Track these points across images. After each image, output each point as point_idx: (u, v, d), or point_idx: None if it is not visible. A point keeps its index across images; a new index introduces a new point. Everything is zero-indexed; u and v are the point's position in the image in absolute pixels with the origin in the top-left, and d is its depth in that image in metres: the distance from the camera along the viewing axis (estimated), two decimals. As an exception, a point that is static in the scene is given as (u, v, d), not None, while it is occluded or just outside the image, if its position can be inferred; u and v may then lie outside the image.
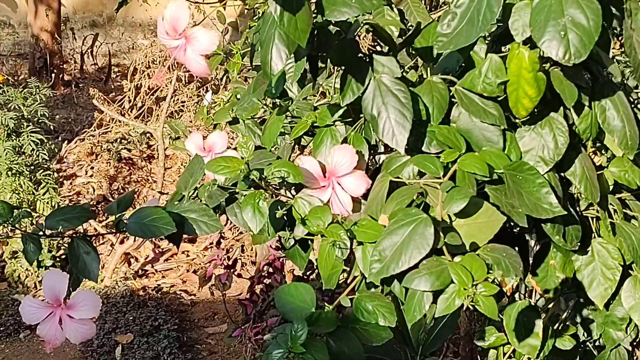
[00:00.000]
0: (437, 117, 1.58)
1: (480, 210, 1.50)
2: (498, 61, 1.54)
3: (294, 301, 1.55)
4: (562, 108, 1.60)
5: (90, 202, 5.19)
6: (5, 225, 1.43)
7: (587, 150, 1.69)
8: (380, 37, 1.60)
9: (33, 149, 4.37)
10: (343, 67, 1.54)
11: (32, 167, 4.44)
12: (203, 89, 6.02)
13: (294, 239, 1.62)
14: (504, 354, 1.79)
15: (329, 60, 1.58)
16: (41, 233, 1.47)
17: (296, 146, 1.87)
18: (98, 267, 1.48)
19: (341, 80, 1.54)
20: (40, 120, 4.48)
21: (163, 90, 5.89)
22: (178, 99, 5.95)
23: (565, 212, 1.56)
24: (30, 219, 1.48)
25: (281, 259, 3.93)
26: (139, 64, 5.94)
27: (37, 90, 4.43)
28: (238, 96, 2.47)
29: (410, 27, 1.89)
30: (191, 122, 5.70)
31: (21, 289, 4.61)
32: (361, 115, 1.64)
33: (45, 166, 4.51)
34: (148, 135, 5.65)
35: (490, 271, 1.37)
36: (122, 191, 5.36)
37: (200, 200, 1.63)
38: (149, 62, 5.93)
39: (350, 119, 1.66)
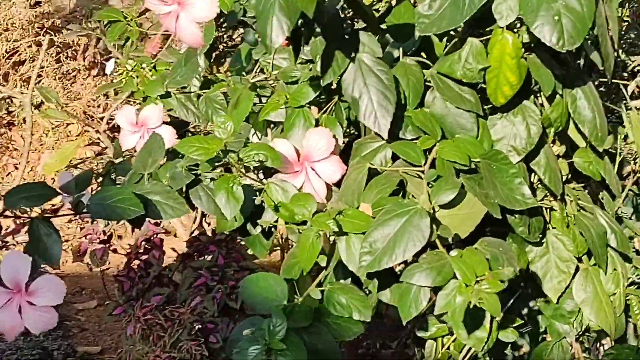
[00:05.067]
0: (413, 101, 1.52)
1: (463, 201, 1.44)
2: (479, 46, 1.48)
3: (262, 292, 1.46)
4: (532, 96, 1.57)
5: (-55, 170, 4.92)
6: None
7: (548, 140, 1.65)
8: (360, 13, 1.52)
9: None
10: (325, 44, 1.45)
11: None
12: (63, 54, 5.78)
13: (261, 226, 1.53)
14: (443, 345, 1.75)
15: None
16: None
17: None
18: (60, 251, 1.36)
19: (322, 58, 1.45)
20: None
21: (22, 54, 5.62)
22: (35, 65, 5.70)
23: (537, 204, 1.54)
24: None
25: (158, 235, 3.80)
26: (-5, 25, 5.65)
27: None
28: (143, 65, 2.35)
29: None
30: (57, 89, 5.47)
31: None
32: (333, 97, 1.56)
33: None
34: (7, 100, 5.39)
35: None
36: (-20, 159, 5.11)
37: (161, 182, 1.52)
38: (7, 24, 5.64)
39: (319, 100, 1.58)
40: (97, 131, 4.62)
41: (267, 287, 1.46)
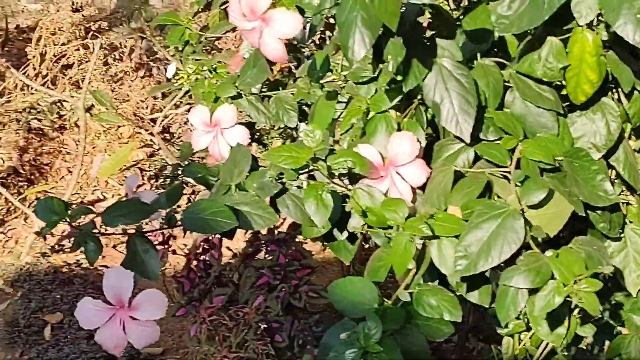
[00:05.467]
0: (493, 102, 1.53)
1: (551, 200, 1.45)
2: (559, 45, 1.48)
3: (351, 297, 1.48)
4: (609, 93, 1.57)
5: (0, 174, 4.96)
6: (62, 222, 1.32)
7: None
8: (441, 19, 1.53)
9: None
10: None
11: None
12: (110, 57, 5.81)
13: (347, 232, 1.55)
14: (520, 341, 1.76)
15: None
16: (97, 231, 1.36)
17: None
18: (158, 266, 1.38)
19: (403, 65, 1.46)
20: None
21: (70, 57, 5.66)
22: (83, 68, 5.74)
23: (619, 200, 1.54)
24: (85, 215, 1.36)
25: (216, 235, 3.82)
26: (44, 30, 5.69)
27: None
28: (205, 68, 2.37)
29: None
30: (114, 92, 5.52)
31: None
32: (414, 101, 1.57)
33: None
34: (58, 104, 5.43)
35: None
36: (33, 163, 5.14)
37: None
38: (54, 28, 5.68)
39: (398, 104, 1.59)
40: (151, 133, 4.65)
41: (355, 291, 1.48)
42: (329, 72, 1.83)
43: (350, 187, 1.51)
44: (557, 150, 1.50)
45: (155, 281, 1.38)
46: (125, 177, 5.09)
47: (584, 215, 1.49)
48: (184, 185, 1.63)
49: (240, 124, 1.87)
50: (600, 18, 1.43)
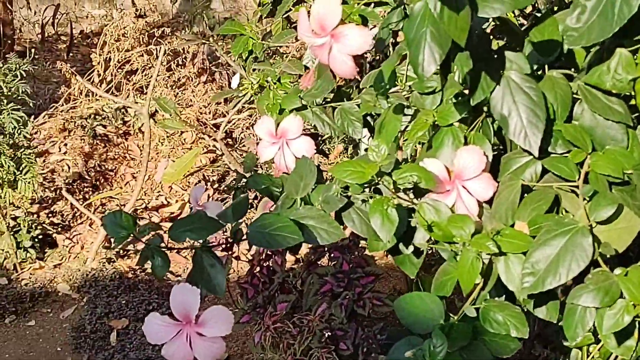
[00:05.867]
0: (562, 114, 1.50)
1: (620, 215, 1.43)
2: (628, 56, 1.46)
3: (419, 312, 1.47)
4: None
5: (66, 180, 5.02)
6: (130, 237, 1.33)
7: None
8: (508, 32, 1.51)
9: (15, 127, 4.20)
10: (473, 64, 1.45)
11: (12, 145, 4.27)
12: (173, 63, 5.87)
13: (413, 246, 1.54)
14: (588, 354, 1.73)
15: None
16: (164, 245, 1.37)
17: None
18: (224, 280, 1.38)
19: (471, 78, 1.45)
20: (20, 98, 4.29)
21: (134, 64, 5.72)
22: (147, 74, 5.80)
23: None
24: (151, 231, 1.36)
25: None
26: (108, 36, 5.76)
27: (18, 66, 4.24)
28: (268, 79, 2.38)
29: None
30: (176, 97, 5.57)
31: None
32: (481, 114, 1.56)
33: (26, 145, 4.33)
34: (122, 110, 5.49)
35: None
36: (98, 169, 5.20)
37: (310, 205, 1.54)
38: (118, 34, 5.75)
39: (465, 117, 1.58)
40: (214, 139, 4.67)
41: (422, 306, 1.47)
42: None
43: (416, 201, 1.50)
44: (627, 163, 1.47)
45: (221, 296, 1.38)
46: (189, 182, 5.13)
47: (656, 230, 1.47)
48: (249, 196, 1.62)
49: (304, 134, 1.87)
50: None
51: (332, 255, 3.49)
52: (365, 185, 1.51)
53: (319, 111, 1.92)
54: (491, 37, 1.62)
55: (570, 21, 1.40)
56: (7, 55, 4.54)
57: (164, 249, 1.37)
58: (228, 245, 3.91)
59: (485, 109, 1.56)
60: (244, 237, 1.44)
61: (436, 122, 1.54)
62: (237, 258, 4.05)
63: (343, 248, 3.48)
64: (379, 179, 1.44)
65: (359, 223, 1.53)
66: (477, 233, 1.40)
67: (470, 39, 1.40)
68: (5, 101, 4.23)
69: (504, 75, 1.47)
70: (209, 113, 5.64)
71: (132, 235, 1.33)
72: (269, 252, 3.82)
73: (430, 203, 1.48)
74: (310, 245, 3.86)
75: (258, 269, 3.79)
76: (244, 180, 1.92)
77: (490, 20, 1.51)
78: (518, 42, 1.53)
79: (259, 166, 4.14)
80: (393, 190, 1.44)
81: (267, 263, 3.78)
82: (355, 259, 3.51)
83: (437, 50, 1.30)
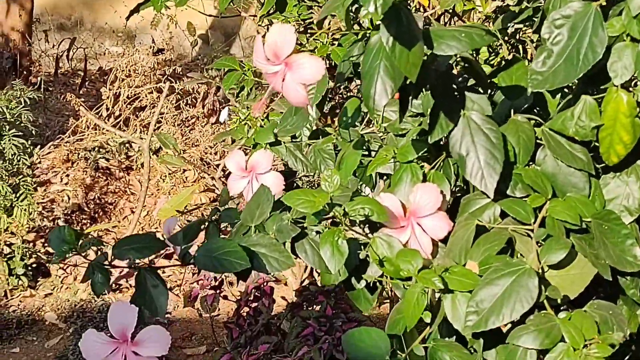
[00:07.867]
0: (523, 158, 1.50)
1: (574, 261, 1.41)
2: (593, 104, 1.45)
3: (366, 347, 1.45)
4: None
5: (65, 210, 5.03)
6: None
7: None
8: (473, 73, 1.51)
9: (14, 154, 4.22)
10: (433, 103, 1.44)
11: (11, 172, 4.28)
12: (183, 102, 5.90)
13: (365, 281, 1.52)
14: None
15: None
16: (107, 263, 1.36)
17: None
18: (166, 302, 1.37)
19: (430, 116, 1.45)
20: (23, 125, 4.32)
21: (143, 100, 5.75)
22: (155, 111, 5.83)
23: (650, 267, 1.49)
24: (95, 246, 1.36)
25: (269, 283, 3.82)
26: (119, 71, 5.80)
27: (22, 92, 4.27)
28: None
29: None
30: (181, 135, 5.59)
31: (-11, 297, 4.46)
32: (442, 153, 1.55)
33: (25, 172, 4.35)
34: (127, 145, 5.51)
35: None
36: (98, 201, 5.21)
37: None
38: (129, 70, 5.79)
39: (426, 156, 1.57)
40: (213, 178, 4.68)
41: (369, 341, 1.45)
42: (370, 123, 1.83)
43: (370, 235, 1.49)
44: (587, 211, 1.46)
45: (162, 318, 1.37)
46: (188, 221, 5.13)
47: (610, 279, 1.45)
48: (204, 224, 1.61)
49: (280, 171, 1.87)
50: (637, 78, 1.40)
51: (317, 299, 3.47)
52: (324, 216, 1.50)
53: (292, 147, 1.91)
54: (459, 78, 1.62)
55: (535, 65, 1.40)
56: (13, 82, 4.57)
57: (105, 266, 1.36)
58: (217, 284, 3.87)
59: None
60: (192, 260, 1.43)
61: (395, 158, 1.54)
62: (225, 297, 4.05)
63: (329, 293, 3.47)
64: (331, 210, 1.42)
65: (311, 254, 1.51)
66: (425, 269, 1.38)
67: (428, 76, 1.40)
68: (7, 127, 4.25)
69: (465, 115, 1.46)
70: (215, 153, 5.65)
71: (73, 250, 1.32)
72: (257, 294, 3.81)
73: (383, 238, 1.47)
74: (297, 288, 3.86)
75: (245, 309, 3.79)
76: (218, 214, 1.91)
77: (456, 59, 1.51)
78: (483, 84, 1.52)
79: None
80: (347, 223, 1.42)
81: (255, 304, 3.77)
82: (342, 305, 3.50)
83: (389, 83, 1.30)
